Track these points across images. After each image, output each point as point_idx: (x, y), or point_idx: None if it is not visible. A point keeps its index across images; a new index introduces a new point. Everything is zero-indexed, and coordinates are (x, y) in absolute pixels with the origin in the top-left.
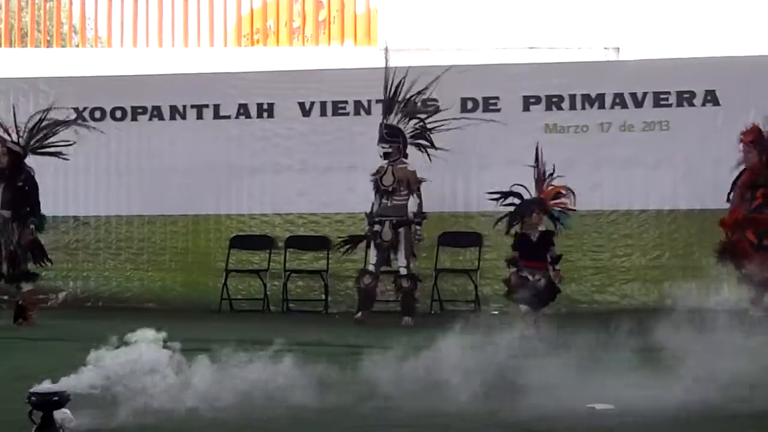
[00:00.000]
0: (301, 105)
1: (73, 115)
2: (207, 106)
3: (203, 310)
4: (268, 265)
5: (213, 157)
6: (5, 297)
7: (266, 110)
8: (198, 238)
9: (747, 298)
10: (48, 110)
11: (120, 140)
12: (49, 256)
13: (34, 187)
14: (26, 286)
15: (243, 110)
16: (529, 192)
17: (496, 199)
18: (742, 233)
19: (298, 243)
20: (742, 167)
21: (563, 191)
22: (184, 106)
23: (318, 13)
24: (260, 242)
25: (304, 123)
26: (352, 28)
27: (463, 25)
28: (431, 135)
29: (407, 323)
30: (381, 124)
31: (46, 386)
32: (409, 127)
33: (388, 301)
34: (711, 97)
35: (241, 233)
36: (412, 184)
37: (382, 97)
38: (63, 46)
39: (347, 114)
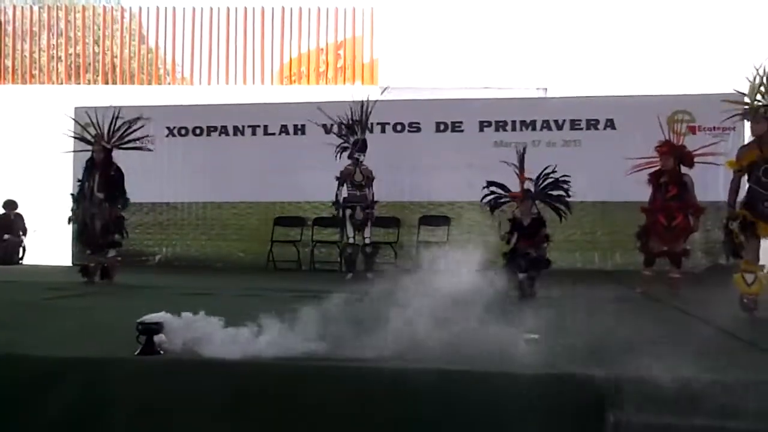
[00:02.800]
0: (324, 126)
1: (140, 116)
2: (259, 126)
3: (255, 269)
4: (301, 237)
5: (263, 162)
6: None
7: (300, 129)
8: (252, 218)
9: (642, 263)
10: (119, 111)
11: (199, 150)
12: (125, 232)
13: (121, 176)
14: (111, 252)
15: (284, 129)
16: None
17: (488, 188)
18: (656, 217)
19: (322, 222)
20: (654, 169)
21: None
22: (243, 126)
23: (337, 61)
24: (295, 221)
25: (326, 138)
26: (360, 72)
27: (439, 70)
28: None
29: (370, 277)
30: (358, 139)
31: (148, 317)
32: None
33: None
34: (610, 124)
35: (282, 215)
36: (370, 180)
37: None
38: (159, 84)
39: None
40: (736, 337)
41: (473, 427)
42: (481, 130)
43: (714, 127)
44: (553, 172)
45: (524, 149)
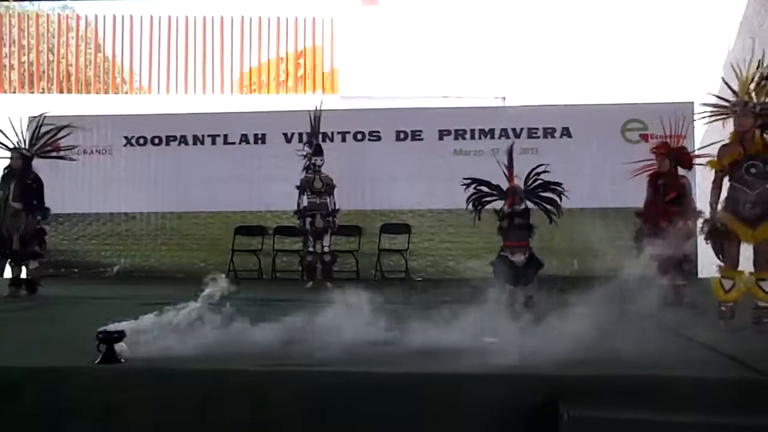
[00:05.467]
0: (285, 135)
1: (66, 123)
2: (219, 135)
3: None
4: (262, 246)
5: (223, 171)
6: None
7: (260, 138)
8: (213, 227)
9: (654, 269)
10: (43, 118)
11: (157, 159)
12: (44, 244)
13: (40, 185)
14: (32, 264)
15: (244, 138)
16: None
17: (468, 185)
18: (656, 221)
19: (283, 231)
20: (650, 171)
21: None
22: (203, 135)
23: (297, 71)
24: (256, 230)
25: (287, 147)
26: (321, 81)
27: (398, 79)
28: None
29: (329, 286)
30: (316, 145)
31: (108, 327)
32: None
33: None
34: (566, 132)
35: (243, 224)
36: (331, 188)
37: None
38: (116, 93)
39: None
40: (686, 337)
41: (427, 428)
42: (441, 138)
43: (666, 135)
44: (545, 172)
45: (512, 146)
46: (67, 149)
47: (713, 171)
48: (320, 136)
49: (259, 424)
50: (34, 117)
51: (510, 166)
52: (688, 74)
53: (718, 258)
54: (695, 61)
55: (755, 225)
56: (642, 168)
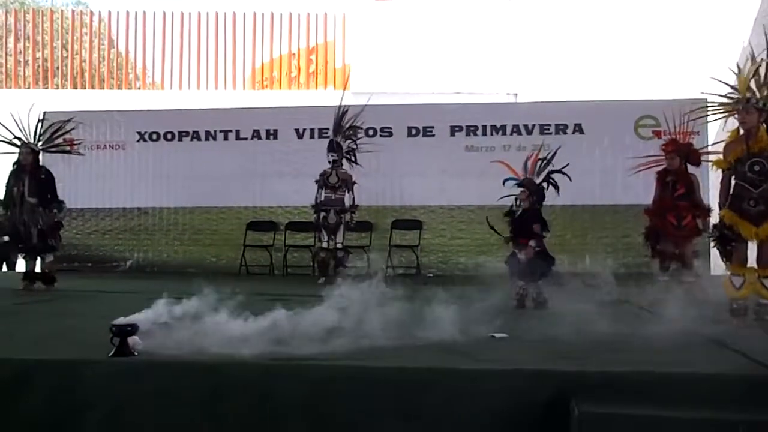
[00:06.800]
0: (297, 131)
1: (69, 118)
2: (231, 131)
3: (228, 274)
4: (273, 242)
5: (235, 166)
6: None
7: (272, 134)
8: (224, 222)
9: (657, 267)
10: (44, 116)
11: (170, 154)
12: (60, 238)
13: (51, 179)
14: (48, 258)
15: (256, 134)
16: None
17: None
18: (665, 217)
19: (294, 227)
20: (659, 168)
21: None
22: (215, 131)
23: (309, 66)
24: (268, 226)
25: (298, 143)
26: (333, 77)
27: (410, 75)
28: (356, 153)
29: (339, 281)
30: (331, 140)
31: (122, 320)
32: (344, 145)
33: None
34: (578, 128)
35: (255, 219)
36: (349, 183)
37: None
38: (130, 89)
39: (329, 137)
40: (697, 334)
41: (438, 423)
42: (453, 134)
43: (678, 132)
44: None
45: (542, 146)
46: (76, 143)
47: (720, 171)
48: (335, 132)
49: (272, 418)
50: (50, 112)
51: (532, 167)
52: (701, 70)
53: (723, 260)
54: (709, 57)
55: (759, 222)
56: (647, 164)
